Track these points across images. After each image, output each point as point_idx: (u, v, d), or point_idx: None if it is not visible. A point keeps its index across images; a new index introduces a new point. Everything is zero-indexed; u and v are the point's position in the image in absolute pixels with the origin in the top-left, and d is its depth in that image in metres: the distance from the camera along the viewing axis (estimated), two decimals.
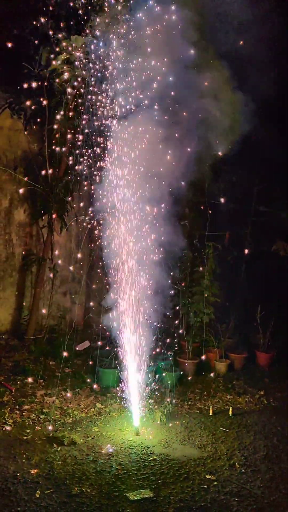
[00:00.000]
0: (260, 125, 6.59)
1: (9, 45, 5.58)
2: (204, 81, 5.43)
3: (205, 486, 3.50)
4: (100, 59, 5.14)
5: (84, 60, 5.29)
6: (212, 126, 5.78)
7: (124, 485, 3.45)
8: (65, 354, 5.70)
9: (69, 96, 5.57)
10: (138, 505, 3.22)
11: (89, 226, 6.07)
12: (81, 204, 6.06)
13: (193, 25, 5.14)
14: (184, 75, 5.18)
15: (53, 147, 5.87)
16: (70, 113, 5.66)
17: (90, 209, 5.80)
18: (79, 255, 6.66)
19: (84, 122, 5.54)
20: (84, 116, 5.45)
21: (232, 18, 5.85)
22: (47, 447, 3.92)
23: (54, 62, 5.40)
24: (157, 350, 5.77)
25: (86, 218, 5.78)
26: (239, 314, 6.83)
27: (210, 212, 7.07)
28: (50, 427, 4.22)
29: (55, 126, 5.75)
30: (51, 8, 5.46)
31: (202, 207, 6.97)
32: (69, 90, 5.51)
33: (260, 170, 7.01)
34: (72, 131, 5.76)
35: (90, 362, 5.53)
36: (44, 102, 5.67)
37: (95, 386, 5.23)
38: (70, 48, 5.30)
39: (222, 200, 6.99)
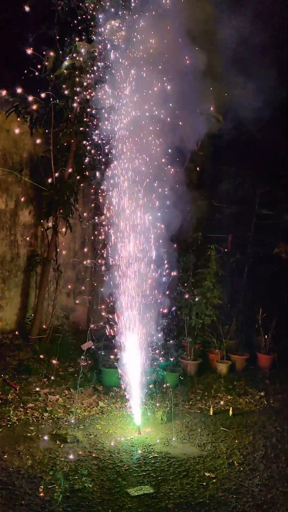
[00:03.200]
0: (265, 128, 6.67)
1: (17, 49, 5.71)
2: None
3: (204, 483, 3.58)
4: (106, 63, 5.24)
5: (90, 65, 5.40)
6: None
7: (125, 481, 3.53)
8: (68, 353, 5.81)
9: (75, 100, 5.68)
10: (139, 500, 3.30)
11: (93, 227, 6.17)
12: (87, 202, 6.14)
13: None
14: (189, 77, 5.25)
15: (58, 149, 5.98)
16: (76, 116, 5.77)
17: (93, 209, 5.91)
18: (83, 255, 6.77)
19: (89, 125, 5.66)
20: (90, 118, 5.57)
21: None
22: (50, 444, 4.01)
23: (62, 65, 5.50)
24: (160, 350, 5.85)
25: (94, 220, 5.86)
26: (241, 316, 6.90)
27: (214, 214, 7.17)
28: (53, 425, 4.31)
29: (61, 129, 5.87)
30: (58, 13, 5.57)
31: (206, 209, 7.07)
32: (74, 94, 5.63)
33: (263, 173, 7.09)
34: (77, 134, 5.87)
35: (93, 362, 5.62)
36: (50, 106, 5.78)
37: (98, 385, 5.32)
38: (75, 54, 5.40)
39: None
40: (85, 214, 6.63)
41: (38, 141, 6.31)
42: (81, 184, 6.21)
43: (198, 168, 6.73)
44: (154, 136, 5.09)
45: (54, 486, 3.38)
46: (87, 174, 6.03)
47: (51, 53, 5.59)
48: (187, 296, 6.33)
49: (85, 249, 7.03)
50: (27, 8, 5.34)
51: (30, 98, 5.90)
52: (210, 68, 5.53)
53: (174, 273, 6.03)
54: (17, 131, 6.27)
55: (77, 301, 6.99)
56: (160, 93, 5.06)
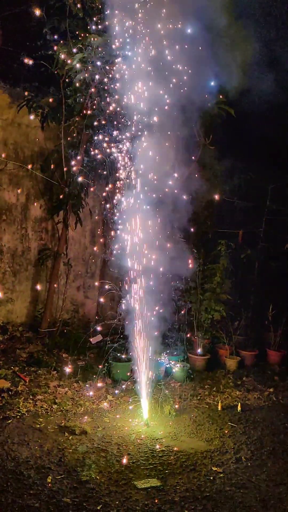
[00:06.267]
0: (277, 123, 6.61)
1: (28, 43, 5.73)
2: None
3: (211, 478, 3.58)
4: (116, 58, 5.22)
5: (100, 59, 5.38)
6: None
7: (132, 474, 3.55)
8: (78, 346, 5.85)
9: (85, 94, 5.68)
10: (146, 493, 3.32)
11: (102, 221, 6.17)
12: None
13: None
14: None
15: (69, 141, 6.00)
16: (87, 111, 5.77)
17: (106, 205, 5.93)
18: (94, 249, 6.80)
19: (99, 118, 5.66)
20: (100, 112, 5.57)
21: None
22: (59, 436, 4.05)
23: (70, 61, 5.49)
24: (169, 345, 5.87)
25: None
26: (250, 312, 6.87)
27: (225, 209, 7.13)
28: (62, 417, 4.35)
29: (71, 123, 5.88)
30: (69, 7, 5.55)
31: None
32: (85, 88, 5.63)
33: (275, 168, 7.03)
34: (88, 129, 5.88)
35: (102, 355, 5.65)
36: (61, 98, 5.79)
37: (106, 378, 5.36)
38: (86, 47, 5.39)
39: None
40: (95, 208, 6.64)
41: (49, 135, 6.33)
42: (91, 178, 6.22)
43: (208, 163, 6.68)
44: (165, 131, 5.07)
45: (62, 476, 3.42)
46: (97, 167, 6.04)
47: (62, 47, 5.58)
48: (197, 291, 6.32)
49: (95, 243, 7.05)
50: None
51: (41, 92, 5.93)
52: (224, 61, 5.49)
53: (183, 269, 6.03)
54: (28, 125, 6.30)
55: (87, 295, 7.03)
56: (172, 85, 5.03)
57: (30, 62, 5.72)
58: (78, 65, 5.38)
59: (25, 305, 6.58)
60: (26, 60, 5.68)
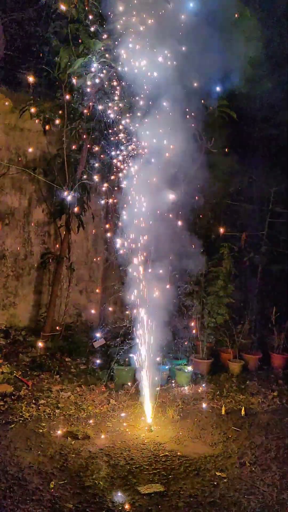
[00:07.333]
0: (280, 125, 6.60)
1: (31, 48, 5.76)
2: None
3: (215, 483, 3.55)
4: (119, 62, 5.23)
5: (103, 63, 5.39)
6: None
7: (135, 479, 3.53)
8: (81, 351, 5.85)
9: (88, 98, 5.69)
10: (149, 498, 3.30)
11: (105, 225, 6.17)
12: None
13: None
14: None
15: (71, 147, 6.01)
16: (88, 114, 5.78)
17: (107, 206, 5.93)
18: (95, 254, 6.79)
19: (101, 123, 5.67)
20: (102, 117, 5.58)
21: None
22: (61, 440, 4.03)
23: (76, 63, 5.50)
24: (172, 349, 5.84)
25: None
26: (254, 315, 6.84)
27: (228, 212, 7.11)
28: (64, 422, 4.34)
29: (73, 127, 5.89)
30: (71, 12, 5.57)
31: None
32: (88, 91, 5.64)
33: (277, 171, 7.01)
34: (90, 133, 5.89)
35: (105, 360, 5.63)
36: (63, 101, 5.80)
37: (109, 383, 5.34)
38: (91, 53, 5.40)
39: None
40: (98, 211, 6.64)
41: (51, 139, 6.35)
42: (95, 181, 6.23)
43: (211, 166, 6.68)
44: (167, 134, 5.07)
45: (65, 482, 3.39)
46: (100, 171, 6.04)
47: (65, 52, 5.60)
48: (200, 294, 6.30)
49: (98, 247, 7.04)
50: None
51: (44, 97, 5.95)
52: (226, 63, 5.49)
53: (187, 272, 6.02)
54: (30, 129, 6.32)
55: (90, 299, 7.02)
56: (174, 89, 5.04)
57: (32, 66, 5.74)
58: (80, 69, 5.38)
59: (27, 309, 6.57)
60: (28, 65, 5.71)
